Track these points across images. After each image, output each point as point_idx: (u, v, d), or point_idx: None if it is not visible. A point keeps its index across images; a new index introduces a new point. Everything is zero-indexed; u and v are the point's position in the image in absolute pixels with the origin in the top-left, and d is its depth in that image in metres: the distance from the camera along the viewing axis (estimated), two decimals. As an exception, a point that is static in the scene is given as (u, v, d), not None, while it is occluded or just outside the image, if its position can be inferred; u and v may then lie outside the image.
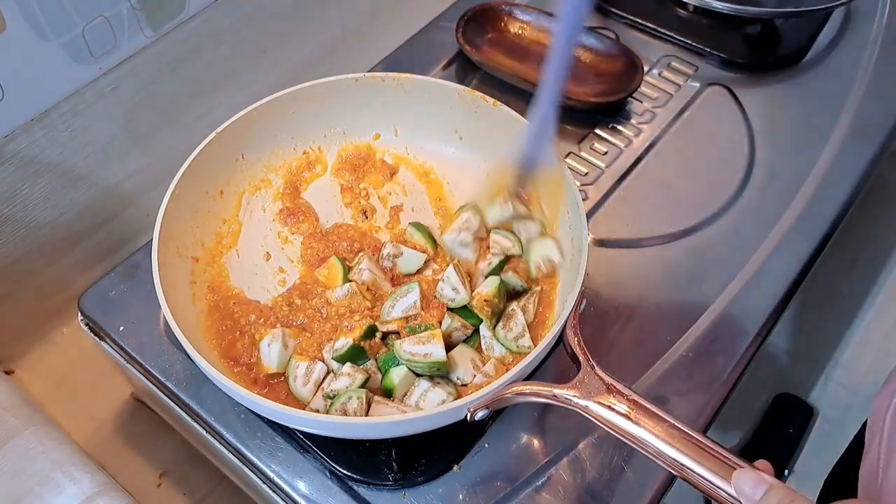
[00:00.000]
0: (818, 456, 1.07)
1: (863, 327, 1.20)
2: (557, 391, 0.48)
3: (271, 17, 0.81)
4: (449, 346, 0.56)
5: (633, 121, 0.80)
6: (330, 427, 0.51)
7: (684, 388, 0.61)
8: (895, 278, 1.23)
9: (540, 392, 0.48)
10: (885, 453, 0.57)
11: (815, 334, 1.21)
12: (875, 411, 0.62)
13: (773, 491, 0.39)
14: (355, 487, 0.55)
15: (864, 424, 0.70)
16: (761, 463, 0.42)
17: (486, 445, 0.57)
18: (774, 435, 1.09)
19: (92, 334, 0.63)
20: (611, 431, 0.46)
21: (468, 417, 0.49)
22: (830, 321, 1.22)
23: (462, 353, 0.56)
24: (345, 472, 0.55)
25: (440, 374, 0.54)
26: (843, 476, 0.72)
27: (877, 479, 0.57)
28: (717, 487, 0.41)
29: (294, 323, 0.59)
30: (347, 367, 0.54)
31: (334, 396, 0.53)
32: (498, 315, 0.58)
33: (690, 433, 0.44)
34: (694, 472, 0.42)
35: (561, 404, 0.48)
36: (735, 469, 0.41)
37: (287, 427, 0.57)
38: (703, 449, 0.43)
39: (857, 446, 0.69)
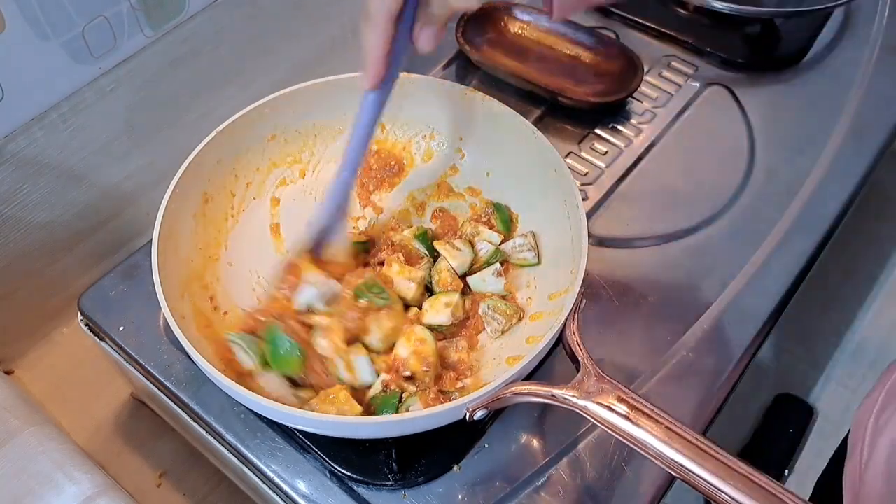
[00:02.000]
0: (818, 456, 1.07)
1: (863, 327, 1.21)
2: (556, 391, 0.48)
3: (271, 16, 0.81)
4: None
5: (633, 121, 0.80)
6: (328, 426, 0.51)
7: (684, 388, 0.61)
8: (895, 278, 1.23)
9: (539, 392, 0.48)
10: (867, 463, 0.57)
11: (815, 334, 1.21)
12: (859, 417, 0.62)
13: None
14: (355, 487, 0.55)
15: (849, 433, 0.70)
16: None
17: (486, 445, 0.57)
18: (774, 435, 1.09)
19: (92, 334, 0.63)
20: (610, 432, 0.46)
21: (467, 417, 0.49)
22: (830, 321, 1.22)
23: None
24: (345, 472, 0.55)
25: None
26: (833, 478, 0.72)
27: (859, 482, 0.57)
28: (716, 489, 0.41)
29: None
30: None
31: None
32: None
33: (689, 434, 0.44)
34: (693, 473, 0.42)
35: (560, 404, 0.48)
36: (740, 474, 0.41)
37: (287, 427, 0.57)
38: (702, 450, 0.43)
39: (840, 456, 0.69)
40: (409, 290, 0.60)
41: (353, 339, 0.57)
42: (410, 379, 0.56)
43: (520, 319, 0.60)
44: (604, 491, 0.56)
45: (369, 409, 0.54)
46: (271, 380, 0.54)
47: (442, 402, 0.51)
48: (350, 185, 0.57)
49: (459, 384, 0.56)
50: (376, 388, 0.55)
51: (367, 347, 0.56)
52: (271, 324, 0.55)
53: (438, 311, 0.59)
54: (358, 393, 0.55)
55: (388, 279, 0.60)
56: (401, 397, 0.54)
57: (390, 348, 0.56)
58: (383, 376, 0.55)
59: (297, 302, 0.56)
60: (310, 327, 0.56)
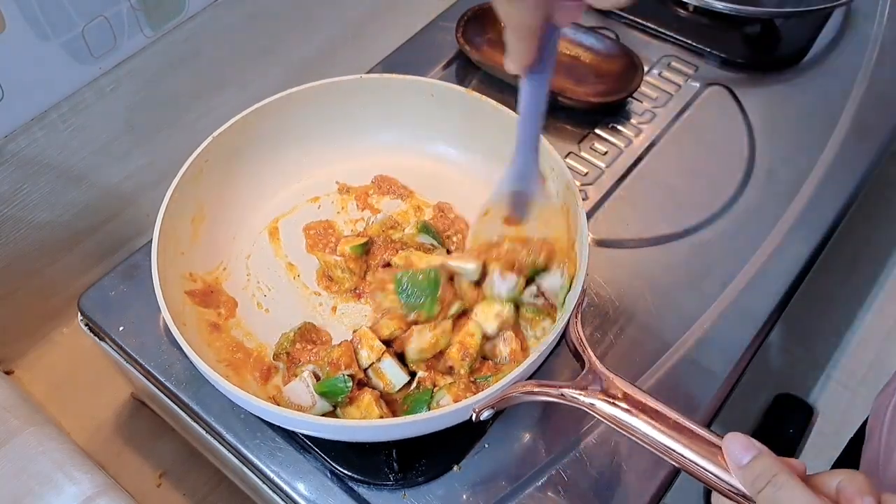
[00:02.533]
0: (818, 456, 1.07)
1: (863, 327, 1.20)
2: (565, 390, 0.48)
3: (271, 17, 0.81)
4: None
5: (633, 121, 0.80)
6: (331, 430, 0.51)
7: (684, 388, 0.61)
8: (895, 278, 1.23)
9: (548, 391, 0.48)
10: (885, 448, 0.57)
11: (815, 334, 1.21)
12: (876, 408, 0.62)
13: (760, 458, 0.39)
14: (355, 488, 0.55)
15: (865, 423, 0.70)
16: (795, 462, 0.42)
17: (487, 445, 0.57)
18: (774, 435, 1.09)
19: (92, 334, 0.63)
20: (617, 428, 0.46)
21: (473, 418, 0.49)
22: (830, 321, 1.22)
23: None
24: (345, 472, 0.55)
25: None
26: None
27: (877, 471, 0.57)
28: (726, 483, 0.41)
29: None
30: None
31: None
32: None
33: (696, 428, 0.43)
34: (702, 467, 0.42)
35: (567, 402, 0.48)
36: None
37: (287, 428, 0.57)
38: (711, 444, 0.43)
39: (856, 443, 0.69)
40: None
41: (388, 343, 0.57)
42: (448, 371, 0.56)
43: (552, 319, 0.58)
44: (604, 490, 0.56)
45: (403, 409, 0.54)
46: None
47: (473, 392, 0.52)
48: (531, 159, 0.55)
49: (489, 374, 0.56)
50: (411, 387, 0.55)
51: (405, 357, 0.57)
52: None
53: (488, 318, 0.57)
54: (391, 396, 0.56)
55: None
56: (432, 393, 0.54)
57: (426, 360, 0.56)
58: (421, 374, 0.55)
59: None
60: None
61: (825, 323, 1.22)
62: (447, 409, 0.48)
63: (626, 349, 0.63)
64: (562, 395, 0.48)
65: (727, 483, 0.41)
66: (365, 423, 0.51)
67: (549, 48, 0.46)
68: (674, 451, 0.43)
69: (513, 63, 0.46)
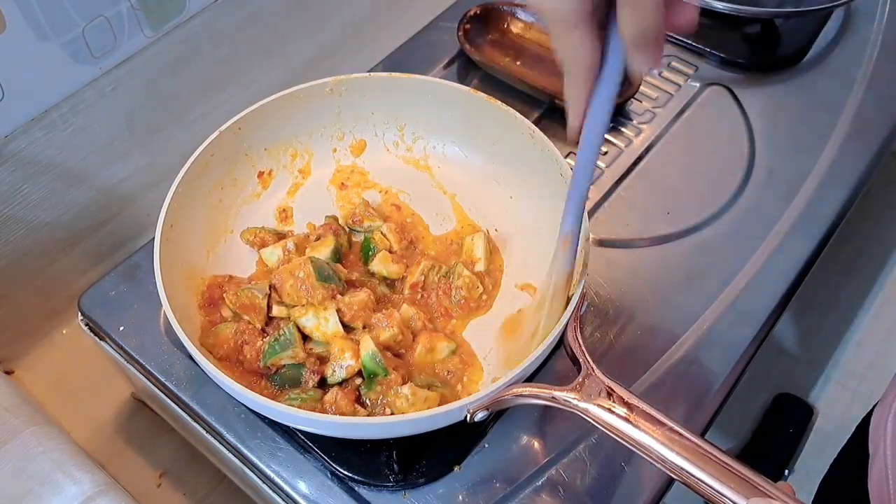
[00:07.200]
0: (818, 456, 1.07)
1: (863, 327, 1.20)
2: (557, 393, 0.48)
3: (271, 17, 0.81)
4: None
5: (633, 121, 0.80)
6: (329, 427, 0.51)
7: (684, 388, 0.61)
8: (895, 278, 1.23)
9: (539, 394, 0.48)
10: (892, 462, 0.57)
11: (815, 334, 1.21)
12: (875, 422, 0.61)
13: None
14: (356, 488, 0.55)
15: (858, 427, 0.70)
16: (783, 485, 0.41)
17: (487, 446, 0.57)
18: (774, 435, 1.09)
19: (92, 334, 0.63)
20: (611, 434, 0.46)
21: (468, 418, 0.49)
22: (830, 321, 1.22)
23: None
24: (345, 472, 0.55)
25: None
26: (839, 479, 0.72)
27: (887, 487, 0.56)
28: (718, 493, 0.41)
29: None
30: None
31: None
32: None
33: (690, 437, 0.43)
34: (693, 476, 0.42)
35: (561, 406, 0.48)
36: (740, 477, 0.41)
37: (287, 427, 0.57)
38: (703, 453, 0.42)
39: (853, 450, 0.69)
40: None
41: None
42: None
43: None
44: (604, 491, 0.56)
45: None
46: None
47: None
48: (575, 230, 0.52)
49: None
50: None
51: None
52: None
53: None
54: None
55: None
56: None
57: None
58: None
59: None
60: None
61: (825, 323, 1.22)
62: (442, 409, 0.48)
63: (626, 349, 0.63)
64: (553, 398, 0.48)
65: (722, 494, 0.41)
66: (358, 421, 0.51)
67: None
68: (668, 460, 0.43)
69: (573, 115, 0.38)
